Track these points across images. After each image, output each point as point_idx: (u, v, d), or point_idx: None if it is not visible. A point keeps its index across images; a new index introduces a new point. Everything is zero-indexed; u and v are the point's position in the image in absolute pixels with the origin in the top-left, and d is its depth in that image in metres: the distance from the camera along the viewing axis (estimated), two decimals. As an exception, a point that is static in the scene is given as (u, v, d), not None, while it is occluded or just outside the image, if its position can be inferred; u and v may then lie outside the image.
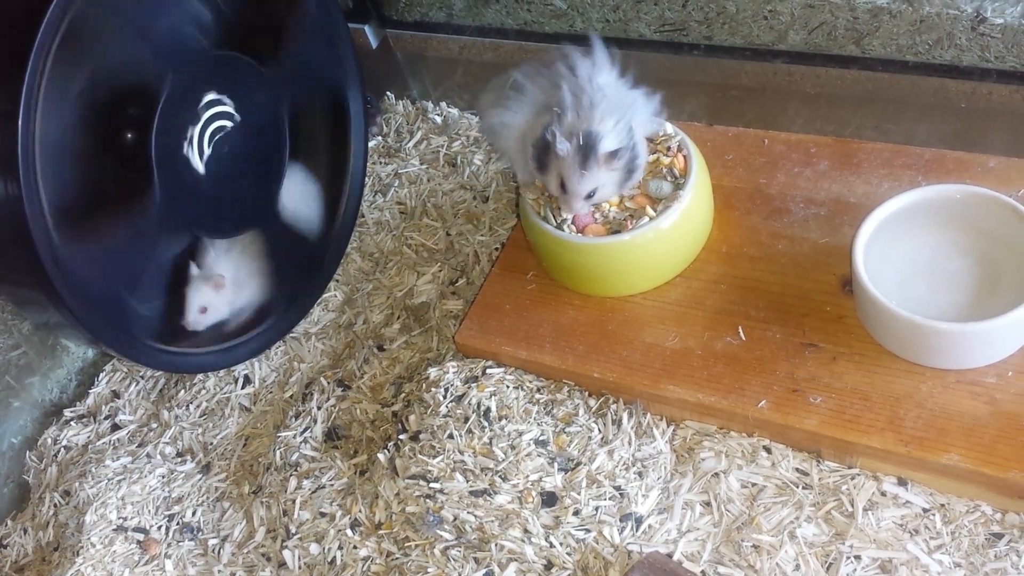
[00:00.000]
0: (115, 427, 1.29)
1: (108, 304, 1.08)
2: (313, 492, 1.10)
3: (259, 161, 1.19)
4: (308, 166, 1.29)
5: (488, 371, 1.09)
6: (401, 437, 1.08)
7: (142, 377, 1.35)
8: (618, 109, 1.00)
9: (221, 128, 1.12)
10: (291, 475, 1.13)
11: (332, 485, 1.11)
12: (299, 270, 1.29)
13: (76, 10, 0.93)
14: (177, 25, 1.12)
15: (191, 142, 1.09)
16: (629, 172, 1.02)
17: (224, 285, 1.17)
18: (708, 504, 0.96)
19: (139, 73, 1.04)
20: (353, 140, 1.34)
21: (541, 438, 1.02)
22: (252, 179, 1.19)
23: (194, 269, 1.17)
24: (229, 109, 1.13)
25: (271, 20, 1.21)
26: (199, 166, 1.10)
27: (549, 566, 0.95)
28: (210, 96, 1.10)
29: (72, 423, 1.32)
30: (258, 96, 1.17)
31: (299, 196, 1.26)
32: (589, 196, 1.02)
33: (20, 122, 0.90)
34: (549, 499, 0.98)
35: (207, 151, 1.11)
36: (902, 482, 0.92)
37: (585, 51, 1.02)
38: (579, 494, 0.97)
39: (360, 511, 1.06)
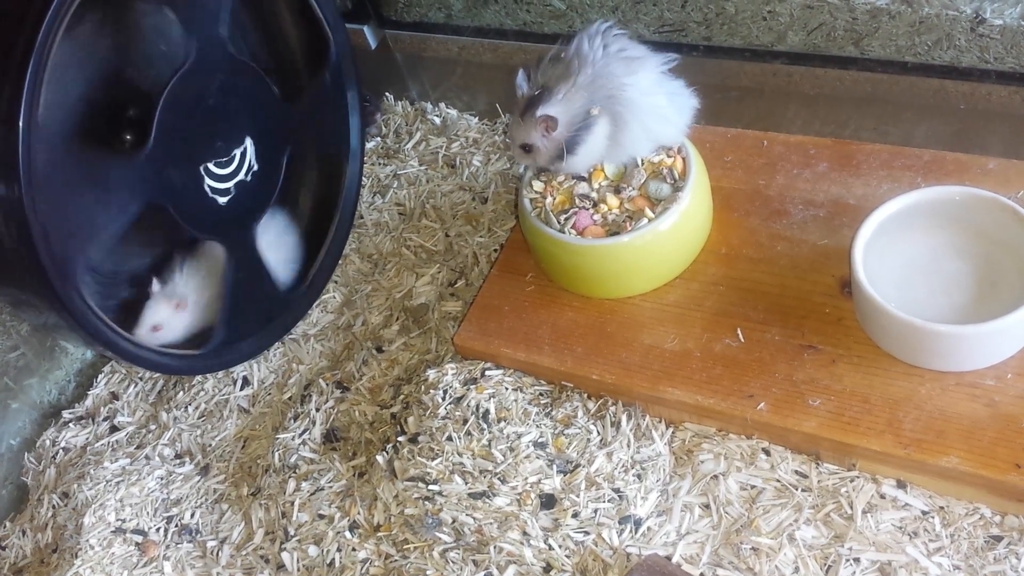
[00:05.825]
0: (113, 429, 1.29)
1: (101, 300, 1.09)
2: (312, 494, 1.10)
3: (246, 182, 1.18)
4: (292, 212, 1.29)
5: (487, 373, 1.09)
6: (400, 439, 1.08)
7: (140, 379, 1.35)
8: (598, 100, 1.00)
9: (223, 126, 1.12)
10: (290, 477, 1.13)
11: (331, 487, 1.10)
12: (257, 306, 1.25)
13: None
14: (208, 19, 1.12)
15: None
16: (559, 154, 1.02)
17: (187, 307, 1.16)
18: (707, 506, 0.96)
19: (163, 47, 1.06)
20: (348, 170, 1.34)
21: (540, 440, 1.02)
22: (235, 193, 1.16)
23: (156, 285, 1.16)
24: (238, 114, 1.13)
25: (292, 79, 1.25)
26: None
27: (548, 568, 0.94)
28: (222, 93, 1.10)
29: (71, 425, 1.32)
30: (268, 122, 1.17)
31: (275, 241, 1.25)
32: (526, 149, 1.03)
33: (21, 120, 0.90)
34: (548, 501, 0.98)
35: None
36: (901, 484, 0.92)
37: (638, 51, 1.02)
38: (578, 496, 0.97)
39: (359, 513, 1.06)
